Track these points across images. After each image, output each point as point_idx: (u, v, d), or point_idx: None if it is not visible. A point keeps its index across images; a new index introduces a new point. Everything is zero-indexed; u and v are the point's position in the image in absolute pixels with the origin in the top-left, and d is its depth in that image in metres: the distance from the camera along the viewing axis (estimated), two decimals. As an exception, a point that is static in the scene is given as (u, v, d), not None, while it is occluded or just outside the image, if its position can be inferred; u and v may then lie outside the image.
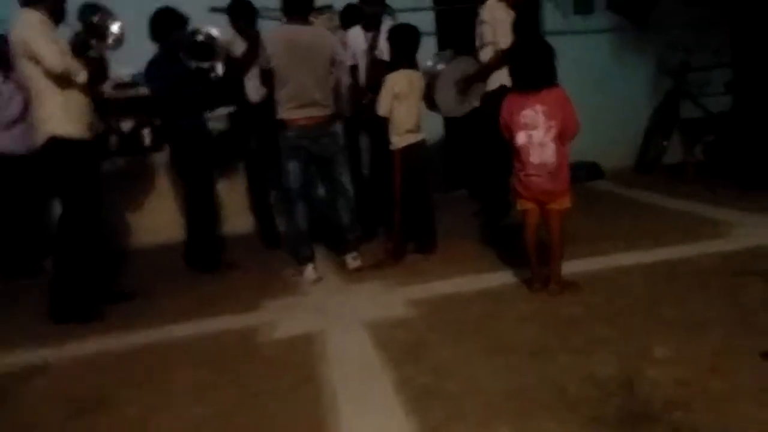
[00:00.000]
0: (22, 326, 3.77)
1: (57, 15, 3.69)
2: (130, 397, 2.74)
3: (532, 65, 3.30)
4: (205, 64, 4.40)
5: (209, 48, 4.40)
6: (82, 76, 3.66)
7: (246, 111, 4.92)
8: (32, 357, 3.30)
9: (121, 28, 3.83)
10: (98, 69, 3.85)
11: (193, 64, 4.32)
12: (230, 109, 5.27)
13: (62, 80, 3.60)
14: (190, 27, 4.44)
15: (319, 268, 4.22)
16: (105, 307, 3.85)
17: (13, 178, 4.69)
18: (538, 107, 3.25)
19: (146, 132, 5.47)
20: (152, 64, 4.46)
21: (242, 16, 4.68)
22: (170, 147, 4.94)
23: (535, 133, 3.26)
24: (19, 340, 3.54)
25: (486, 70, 4.72)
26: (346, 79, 4.80)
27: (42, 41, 3.51)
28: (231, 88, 4.94)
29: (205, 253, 4.62)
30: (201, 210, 4.62)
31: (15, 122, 4.59)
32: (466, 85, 4.57)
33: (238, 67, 4.67)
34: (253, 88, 4.62)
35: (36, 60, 3.51)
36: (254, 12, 4.72)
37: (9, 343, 3.52)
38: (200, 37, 4.38)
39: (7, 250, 4.97)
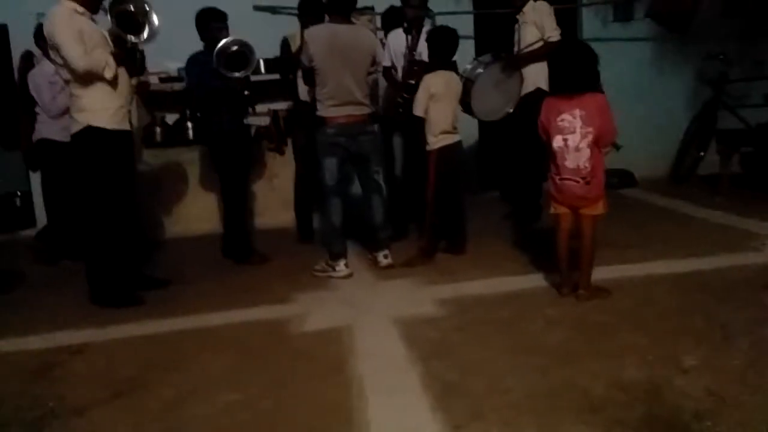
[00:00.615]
0: (66, 308, 3.90)
1: (92, 4, 3.68)
2: (166, 381, 2.82)
3: (574, 69, 3.31)
4: (237, 74, 4.38)
5: (243, 58, 4.40)
6: (108, 72, 3.63)
7: (297, 108, 4.99)
8: (73, 338, 3.42)
9: (158, 20, 3.79)
10: (132, 61, 3.84)
11: (226, 74, 4.34)
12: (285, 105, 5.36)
13: (90, 75, 3.61)
14: (232, 35, 4.48)
15: (351, 264, 4.28)
16: (143, 293, 3.96)
17: (62, 165, 4.83)
18: (577, 112, 3.25)
19: (189, 125, 5.59)
20: (190, 59, 4.59)
21: (309, 13, 4.64)
22: (206, 142, 5.04)
23: (571, 137, 3.27)
24: (62, 322, 3.67)
25: (533, 56, 4.74)
26: (382, 81, 4.86)
27: (65, 40, 3.50)
28: (284, 86, 5.01)
29: (236, 244, 4.73)
30: (232, 203, 4.72)
31: (66, 111, 4.73)
32: (510, 64, 4.58)
33: (289, 63, 4.75)
34: (304, 86, 4.67)
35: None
36: (322, 10, 4.62)
37: (53, 324, 3.65)
38: (234, 47, 4.38)
39: (54, 235, 5.11)
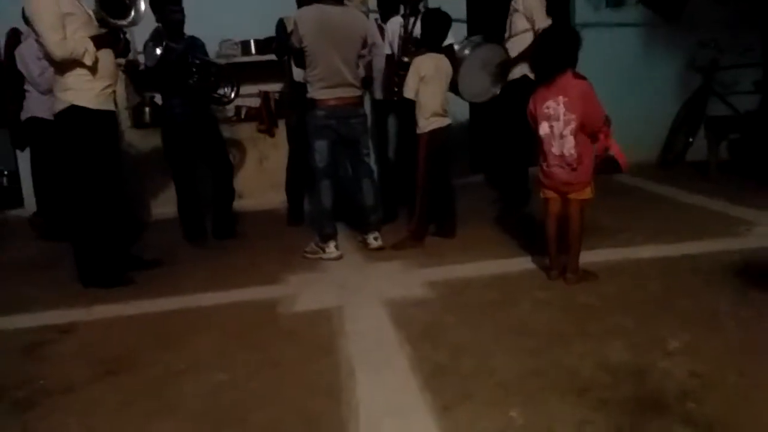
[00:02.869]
0: (56, 288, 3.89)
1: None
2: (155, 360, 2.83)
3: (547, 54, 3.34)
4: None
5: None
6: (88, 59, 3.55)
7: (292, 89, 4.94)
8: (63, 317, 3.42)
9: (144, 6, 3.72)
10: (116, 44, 3.77)
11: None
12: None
13: (69, 61, 3.54)
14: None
15: (341, 246, 4.28)
16: (133, 274, 3.95)
17: (52, 144, 4.78)
18: (560, 99, 3.27)
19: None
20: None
21: None
22: (160, 125, 5.03)
23: (556, 124, 3.30)
24: (51, 301, 3.67)
25: (523, 57, 4.71)
26: (378, 63, 4.83)
27: (43, 27, 3.43)
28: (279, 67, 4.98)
29: (185, 226, 4.79)
30: (179, 192, 4.78)
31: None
32: (501, 70, 4.57)
33: (285, 45, 4.71)
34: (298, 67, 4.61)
35: None
36: None
37: (42, 303, 3.65)
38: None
39: (46, 214, 5.07)
